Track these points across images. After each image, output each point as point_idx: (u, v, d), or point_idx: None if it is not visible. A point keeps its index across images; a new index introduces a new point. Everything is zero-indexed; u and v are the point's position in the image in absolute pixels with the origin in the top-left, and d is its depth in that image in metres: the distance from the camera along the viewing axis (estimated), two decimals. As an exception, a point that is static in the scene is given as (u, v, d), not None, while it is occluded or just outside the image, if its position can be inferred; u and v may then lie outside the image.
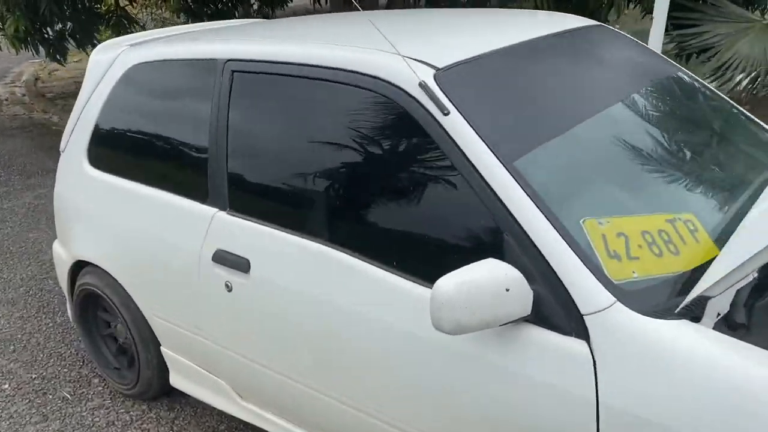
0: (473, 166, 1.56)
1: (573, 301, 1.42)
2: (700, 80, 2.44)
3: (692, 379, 1.29)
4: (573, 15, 2.52)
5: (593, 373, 1.39)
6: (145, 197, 2.35)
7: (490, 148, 1.57)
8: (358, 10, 2.80)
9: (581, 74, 2.05)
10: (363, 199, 1.77)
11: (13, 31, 7.02)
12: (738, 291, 1.49)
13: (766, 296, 1.55)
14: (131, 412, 2.75)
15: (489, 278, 1.40)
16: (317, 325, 1.85)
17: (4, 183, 5.67)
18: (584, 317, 1.40)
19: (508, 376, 1.50)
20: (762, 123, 2.35)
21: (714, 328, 1.41)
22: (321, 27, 2.36)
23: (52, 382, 2.98)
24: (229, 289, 2.06)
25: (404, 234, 1.69)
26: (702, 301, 1.40)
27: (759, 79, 5.26)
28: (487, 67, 1.83)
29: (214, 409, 2.68)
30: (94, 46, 7.86)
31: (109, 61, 2.60)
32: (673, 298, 1.44)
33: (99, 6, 8.16)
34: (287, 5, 11.02)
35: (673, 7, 4.72)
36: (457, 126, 1.61)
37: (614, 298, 1.39)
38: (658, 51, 3.57)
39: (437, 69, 1.73)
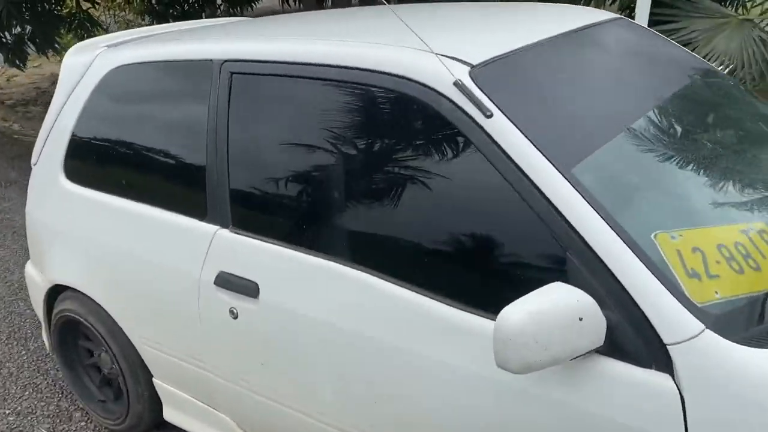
0: (525, 175, 1.37)
1: (654, 329, 1.23)
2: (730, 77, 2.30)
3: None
4: (588, 8, 2.36)
5: (681, 412, 1.21)
6: (133, 214, 2.11)
7: (543, 154, 1.38)
8: (330, 8, 2.59)
9: (620, 69, 1.87)
10: (395, 215, 1.57)
11: (-31, 35, 6.64)
12: None
13: None
14: (119, 450, 2.50)
15: (561, 306, 1.21)
16: (340, 358, 1.64)
17: (-37, 197, 5.33)
18: (668, 347, 1.22)
19: (577, 417, 1.31)
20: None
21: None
22: (327, 23, 2.16)
23: (29, 418, 2.71)
24: (234, 315, 1.84)
25: (447, 255, 1.49)
26: None
27: (736, 73, 5.24)
28: (524, 63, 1.64)
29: (212, 442, 2.44)
30: (55, 50, 7.50)
31: (86, 64, 2.35)
32: (763, 320, 1.27)
33: (60, 8, 7.78)
34: (254, 6, 10.75)
35: (653, 3, 4.67)
36: (502, 129, 1.42)
37: (702, 325, 1.21)
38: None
39: (472, 66, 1.54)
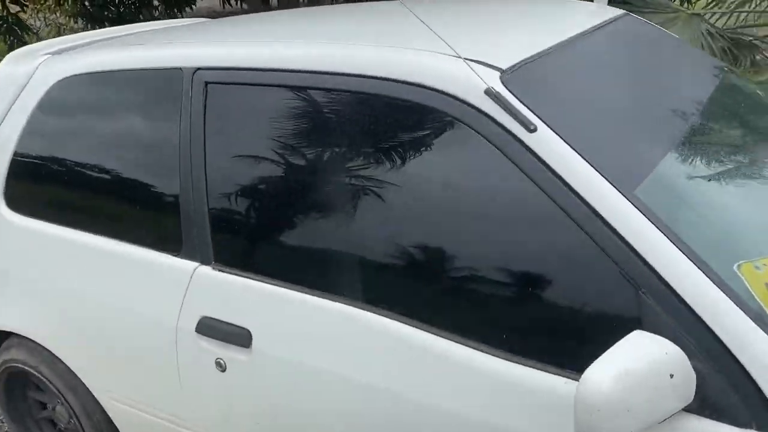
0: (582, 199, 1.16)
1: (753, 382, 1.04)
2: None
3: None
4: (588, 2, 2.18)
5: (792, 481, 1.01)
6: (90, 249, 1.81)
7: (602, 174, 1.17)
8: (275, 8, 2.34)
9: (651, 72, 1.68)
10: (421, 250, 1.33)
11: None
12: None
13: None
14: None
15: (650, 363, 1.00)
16: (353, 417, 1.40)
17: None
18: (773, 404, 1.02)
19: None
20: None
21: None
22: (313, 23, 1.90)
23: (-29, 482, 2.36)
24: (221, 368, 1.57)
25: (486, 297, 1.26)
26: None
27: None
28: (555, 67, 1.43)
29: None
30: (-19, 57, 6.94)
31: (26, 75, 2.02)
32: None
33: (-15, 12, 7.25)
34: (193, 8, 10.31)
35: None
36: (550, 146, 1.20)
37: (810, 375, 1.02)
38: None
39: (501, 71, 1.31)
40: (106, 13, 9.06)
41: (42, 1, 9.09)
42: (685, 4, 6.24)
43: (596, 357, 1.10)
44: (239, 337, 1.52)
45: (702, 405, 1.07)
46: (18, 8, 7.73)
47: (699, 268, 1.08)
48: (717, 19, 5.22)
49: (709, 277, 1.08)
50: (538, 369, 1.19)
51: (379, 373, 1.35)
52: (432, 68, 1.33)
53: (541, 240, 1.21)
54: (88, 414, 1.97)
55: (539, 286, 1.21)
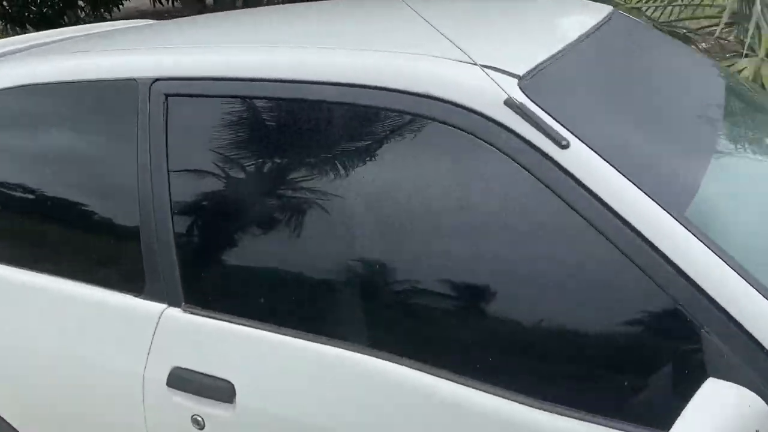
0: (629, 225, 1.01)
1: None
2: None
3: None
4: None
5: None
6: (32, 289, 1.56)
7: (648, 195, 1.02)
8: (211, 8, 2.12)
9: (665, 74, 1.55)
10: (433, 284, 1.16)
11: None
12: None
13: None
14: None
15: (735, 419, 0.86)
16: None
17: None
18: None
19: None
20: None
21: None
22: (297, 24, 1.69)
23: None
24: (200, 426, 1.36)
25: (515, 339, 1.10)
26: None
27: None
28: (572, 72, 1.28)
29: None
30: None
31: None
32: None
33: None
34: (120, 8, 9.83)
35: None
36: (587, 164, 1.05)
37: None
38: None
39: (519, 77, 1.15)
40: (27, 14, 8.53)
41: (-46, 3, 8.48)
42: (627, -1, 6.29)
43: (652, 405, 0.96)
44: (220, 391, 1.31)
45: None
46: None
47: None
48: (653, 12, 5.24)
49: (780, 310, 0.94)
50: (584, 420, 1.03)
51: (385, 427, 1.17)
52: (440, 76, 1.16)
53: (579, 272, 1.05)
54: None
55: (585, 329, 1.06)
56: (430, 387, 1.13)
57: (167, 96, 1.41)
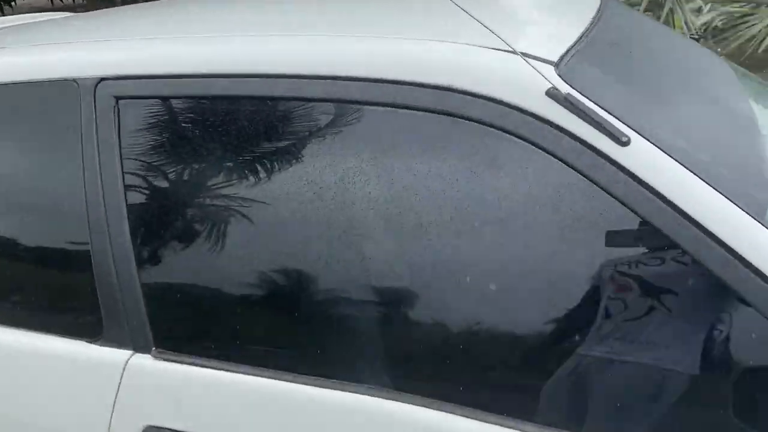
0: (713, 236, 0.86)
1: None
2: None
3: None
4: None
5: None
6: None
7: (729, 199, 0.87)
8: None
9: (682, 60, 1.42)
10: (460, 316, 0.98)
11: None
12: None
13: None
14: None
15: None
16: None
17: None
18: None
19: None
20: None
21: None
22: (273, 7, 1.45)
23: None
24: (182, 495, 1.13)
25: (567, 375, 0.94)
26: None
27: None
28: (605, 56, 1.13)
29: None
30: None
31: None
32: None
33: None
34: (12, 5, 9.11)
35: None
36: (654, 164, 0.89)
37: None
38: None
39: (554, 64, 0.99)
40: None
41: None
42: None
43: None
44: (206, 453, 1.09)
45: None
46: None
47: None
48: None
49: None
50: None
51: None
52: (468, 65, 0.98)
53: (656, 291, 0.90)
54: None
55: (662, 346, 0.90)
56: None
57: (117, 99, 1.17)
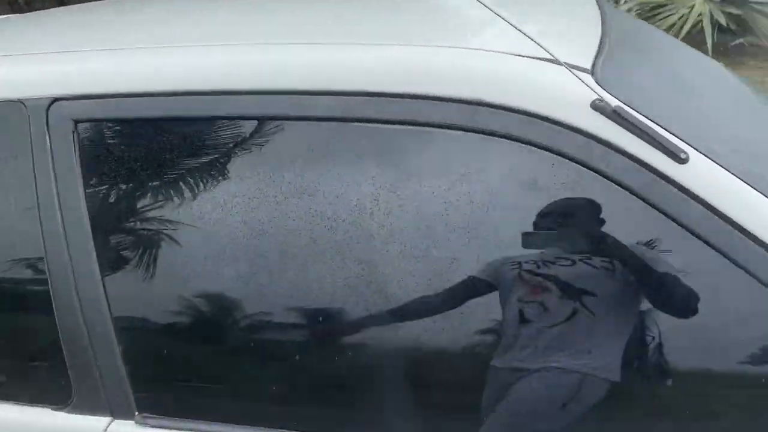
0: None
1: None
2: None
3: None
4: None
5: None
6: None
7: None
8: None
9: (687, 65, 1.34)
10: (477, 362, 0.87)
11: None
12: None
13: None
14: None
15: None
16: None
17: None
18: None
19: None
20: None
21: None
22: (259, 14, 1.28)
23: None
24: None
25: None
26: None
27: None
28: (635, 62, 1.04)
29: None
30: None
31: None
32: None
33: None
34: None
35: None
36: (717, 184, 0.80)
37: None
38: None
39: (590, 71, 0.88)
40: None
41: None
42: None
43: None
44: None
45: None
46: None
47: None
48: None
49: None
50: None
51: None
52: (496, 75, 0.86)
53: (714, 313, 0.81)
54: None
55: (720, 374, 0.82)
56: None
57: (76, 122, 0.99)
